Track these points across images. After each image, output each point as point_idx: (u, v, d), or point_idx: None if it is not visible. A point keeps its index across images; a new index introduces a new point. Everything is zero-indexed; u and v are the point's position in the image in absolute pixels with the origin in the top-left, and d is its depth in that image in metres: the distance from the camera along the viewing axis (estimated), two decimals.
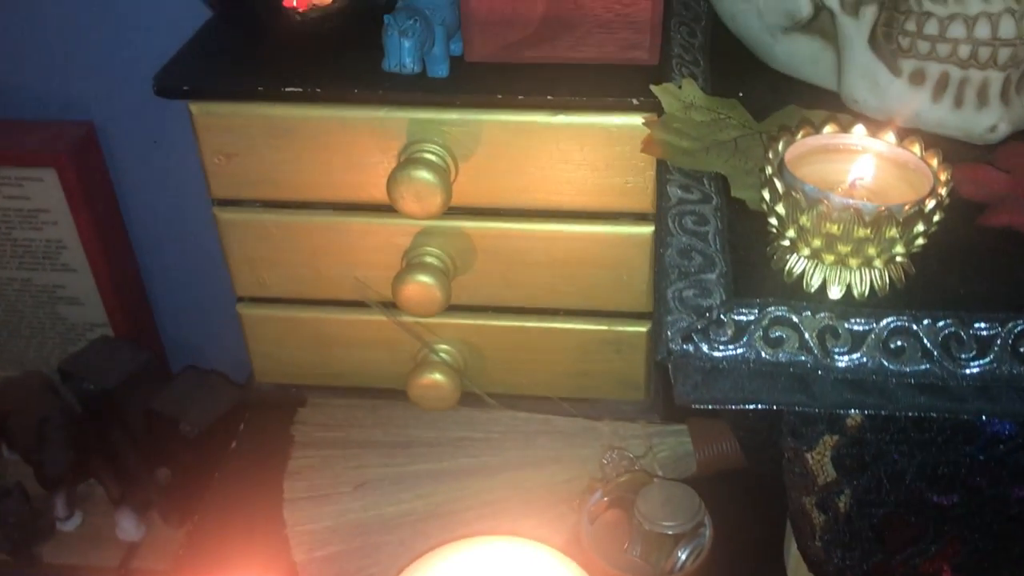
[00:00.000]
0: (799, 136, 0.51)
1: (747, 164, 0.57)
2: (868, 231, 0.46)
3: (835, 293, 0.48)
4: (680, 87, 0.63)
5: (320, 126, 0.71)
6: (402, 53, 0.66)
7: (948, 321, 0.46)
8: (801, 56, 0.65)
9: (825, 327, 0.47)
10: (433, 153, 0.70)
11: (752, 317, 0.47)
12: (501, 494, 0.73)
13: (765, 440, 0.67)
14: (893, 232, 0.46)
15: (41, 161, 0.98)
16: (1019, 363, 0.46)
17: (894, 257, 0.48)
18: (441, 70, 0.69)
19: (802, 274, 0.49)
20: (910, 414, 0.48)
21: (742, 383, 0.48)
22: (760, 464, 0.69)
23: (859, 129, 0.51)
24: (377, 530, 0.72)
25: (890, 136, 0.51)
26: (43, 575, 0.97)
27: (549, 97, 0.68)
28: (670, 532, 0.64)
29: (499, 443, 0.77)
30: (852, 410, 0.49)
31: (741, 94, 0.64)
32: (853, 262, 0.47)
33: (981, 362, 0.46)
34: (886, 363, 0.47)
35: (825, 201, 0.46)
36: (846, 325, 0.47)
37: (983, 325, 0.46)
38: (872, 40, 0.60)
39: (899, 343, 0.47)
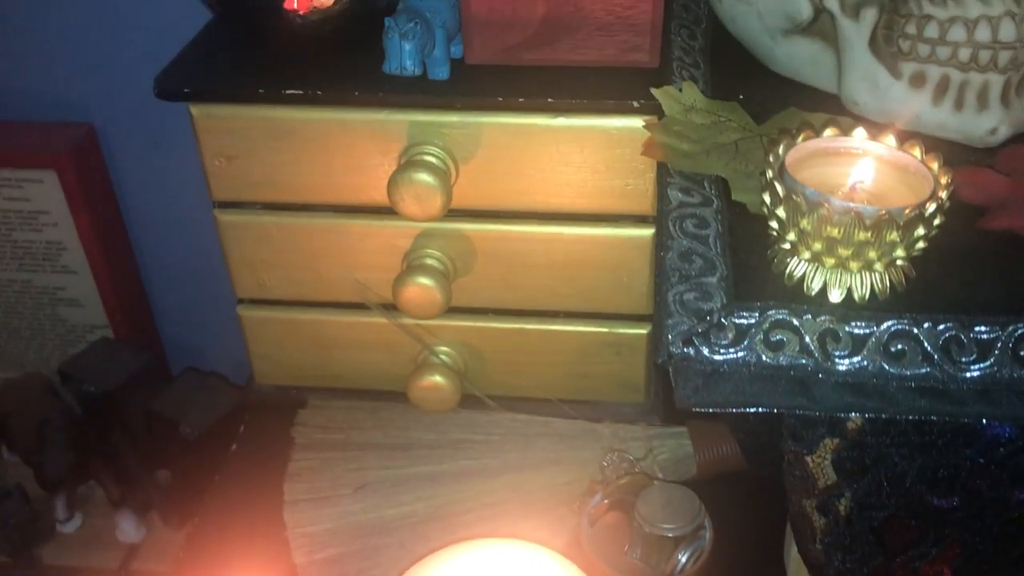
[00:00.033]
0: (800, 139, 0.51)
1: (747, 167, 0.57)
2: (869, 234, 0.46)
3: (836, 296, 0.48)
4: (681, 90, 0.63)
5: (320, 128, 0.71)
6: (403, 56, 0.67)
7: (948, 324, 0.47)
8: (801, 58, 0.65)
9: (826, 330, 0.47)
10: (433, 155, 0.70)
11: (753, 320, 0.47)
12: (501, 496, 0.73)
13: (765, 443, 0.67)
14: (894, 235, 0.46)
15: (41, 163, 0.98)
16: (1019, 366, 0.46)
17: (895, 260, 0.48)
18: (441, 72, 0.69)
19: (803, 277, 0.49)
20: (910, 417, 0.48)
21: (743, 386, 0.48)
22: (760, 466, 0.69)
23: (860, 132, 0.51)
24: (377, 532, 0.72)
25: (891, 139, 0.51)
26: None
27: (549, 100, 0.68)
28: (670, 535, 0.64)
29: (499, 445, 0.77)
30: (852, 413, 0.49)
31: (741, 96, 0.64)
32: (854, 265, 0.47)
33: (981, 365, 0.46)
34: (887, 366, 0.47)
35: (826, 204, 0.46)
36: (847, 328, 0.47)
37: (983, 328, 0.46)
38: (872, 43, 0.60)
39: (900, 346, 0.47)
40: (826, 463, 0.54)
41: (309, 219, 0.76)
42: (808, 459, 0.54)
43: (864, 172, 0.50)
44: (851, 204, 0.46)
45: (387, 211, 0.71)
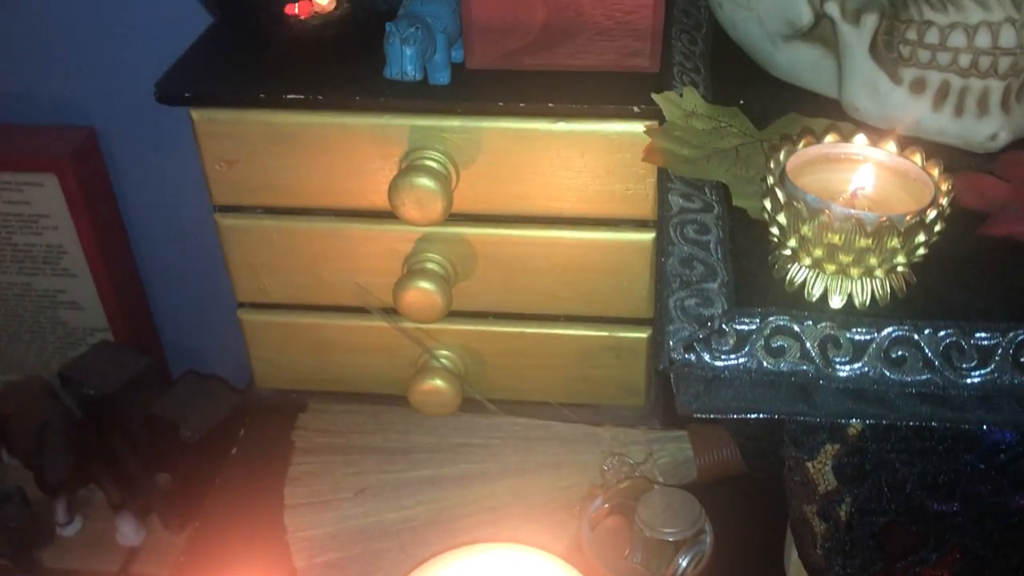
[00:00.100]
0: (800, 145, 0.51)
1: (748, 173, 0.57)
2: (869, 241, 0.46)
3: (836, 303, 0.48)
4: (681, 95, 0.63)
5: (321, 133, 0.71)
6: (404, 61, 0.67)
7: (949, 331, 0.47)
8: (802, 64, 0.65)
9: (826, 337, 0.47)
10: (434, 160, 0.70)
11: (754, 326, 0.47)
12: (502, 500, 0.73)
13: (766, 447, 0.67)
14: (894, 242, 0.46)
15: (42, 166, 0.98)
16: (1020, 373, 0.46)
17: (895, 267, 0.48)
18: (442, 77, 0.69)
19: (803, 283, 0.49)
20: (911, 424, 0.48)
21: (744, 392, 0.48)
22: (760, 471, 0.69)
23: (860, 138, 0.51)
24: (378, 536, 0.72)
25: (891, 145, 0.51)
26: None
27: (550, 104, 0.68)
28: (671, 539, 0.64)
29: (500, 449, 0.77)
30: (853, 419, 0.49)
31: (742, 102, 0.64)
32: (854, 272, 0.48)
33: (982, 372, 0.46)
34: (887, 373, 0.47)
35: (826, 211, 0.46)
36: (847, 335, 0.47)
37: (984, 335, 0.46)
38: (873, 48, 0.60)
39: (900, 353, 0.47)
40: (827, 468, 0.54)
41: (310, 223, 0.76)
42: (809, 465, 0.54)
43: (865, 178, 0.50)
44: (852, 211, 0.46)
45: (388, 215, 0.72)
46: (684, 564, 0.64)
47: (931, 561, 0.54)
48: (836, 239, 0.46)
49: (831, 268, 0.48)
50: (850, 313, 0.48)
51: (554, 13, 0.67)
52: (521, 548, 0.62)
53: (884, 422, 0.48)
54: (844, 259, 0.47)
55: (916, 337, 0.47)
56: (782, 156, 0.50)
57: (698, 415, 0.48)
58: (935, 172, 0.49)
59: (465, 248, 0.76)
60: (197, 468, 0.92)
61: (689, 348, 0.47)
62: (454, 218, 0.72)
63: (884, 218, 0.45)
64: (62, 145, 0.98)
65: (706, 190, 0.56)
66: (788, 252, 0.49)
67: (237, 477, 0.80)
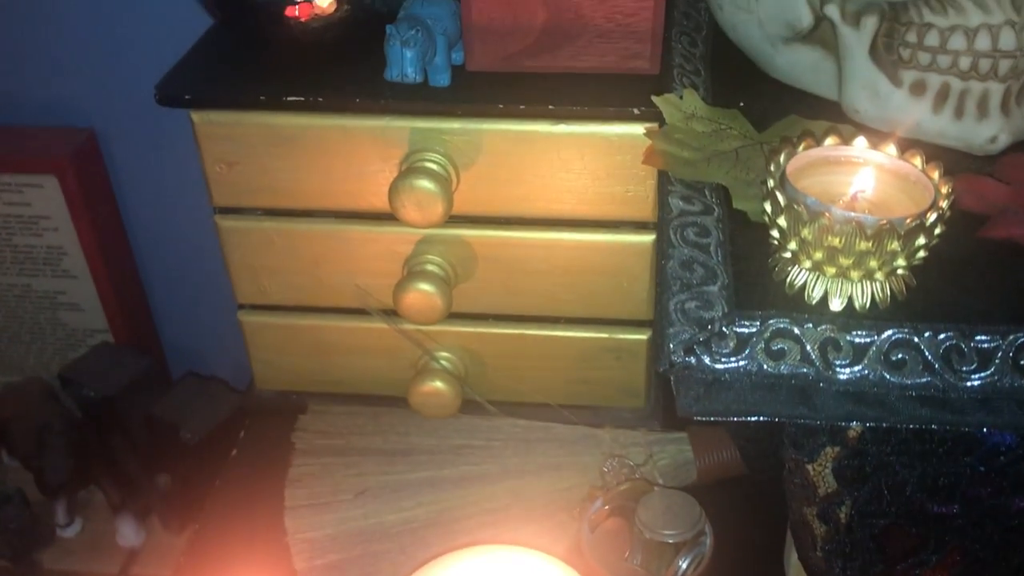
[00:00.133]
0: (800, 148, 0.51)
1: (748, 175, 0.57)
2: (870, 244, 0.46)
3: (836, 305, 0.48)
4: (681, 97, 0.63)
5: (322, 135, 0.71)
6: (404, 63, 0.67)
7: (949, 334, 0.47)
8: (802, 66, 0.65)
9: (827, 339, 0.47)
10: (434, 162, 0.70)
11: (754, 329, 0.47)
12: (502, 502, 0.73)
13: (766, 449, 0.67)
14: (895, 245, 0.46)
15: (42, 168, 0.98)
16: (1020, 376, 0.46)
17: (895, 270, 0.48)
18: (443, 79, 0.69)
19: (804, 286, 0.49)
20: (911, 426, 0.48)
21: (744, 395, 0.48)
22: (760, 472, 0.70)
23: (860, 141, 0.51)
24: (378, 538, 0.72)
25: (891, 148, 0.51)
26: None
27: (550, 106, 0.68)
28: (671, 541, 0.65)
29: (500, 451, 0.77)
30: (853, 422, 0.49)
31: (742, 104, 0.64)
32: (855, 274, 0.48)
33: (982, 374, 0.46)
34: (887, 376, 0.47)
35: (827, 214, 0.46)
36: (848, 337, 0.47)
37: (984, 337, 0.47)
38: (873, 51, 0.60)
39: (900, 355, 0.47)
40: (827, 471, 0.54)
41: (310, 225, 0.76)
42: (809, 467, 0.55)
43: (865, 181, 0.50)
44: (852, 214, 0.46)
45: (388, 217, 0.72)
46: (684, 566, 0.64)
47: (931, 563, 0.55)
48: (836, 242, 0.46)
49: (831, 271, 0.48)
50: (850, 316, 0.48)
51: (554, 15, 0.67)
52: (521, 550, 0.62)
53: (884, 425, 0.48)
54: (844, 262, 0.47)
55: (916, 340, 0.47)
56: (782, 159, 0.50)
57: (698, 418, 0.48)
58: (935, 175, 0.49)
59: (465, 250, 0.76)
60: (197, 469, 0.92)
61: (689, 351, 0.47)
62: (454, 220, 0.72)
63: (884, 221, 0.45)
64: (62, 147, 0.98)
65: (706, 192, 0.56)
66: (788, 255, 0.49)
67: (237, 478, 0.80)
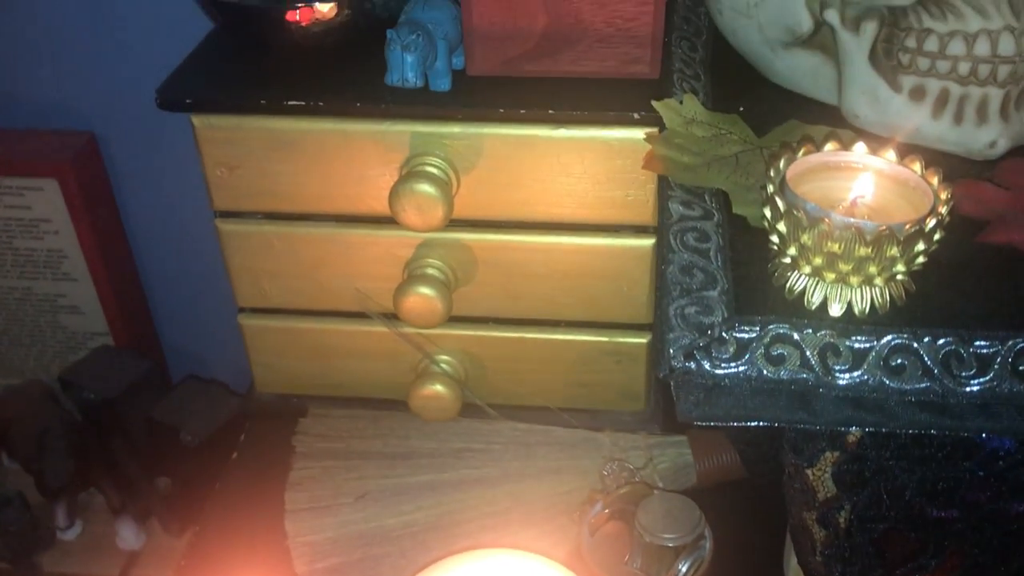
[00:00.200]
0: (800, 153, 0.51)
1: (748, 180, 0.57)
2: (869, 250, 0.46)
3: (836, 311, 0.48)
4: (681, 102, 0.64)
5: (322, 139, 0.71)
6: (405, 67, 0.67)
7: (948, 339, 0.47)
8: (802, 71, 0.65)
9: (826, 345, 0.47)
10: (435, 166, 0.70)
11: (754, 334, 0.48)
12: (502, 506, 0.74)
13: (765, 453, 0.67)
14: (894, 251, 0.46)
15: (42, 171, 0.98)
16: (1019, 381, 0.46)
17: (895, 275, 0.48)
18: (443, 84, 0.69)
19: (803, 291, 0.49)
20: (910, 431, 0.48)
21: (744, 400, 0.48)
22: (760, 476, 0.70)
23: (860, 146, 0.52)
24: (378, 541, 0.72)
25: (891, 154, 0.51)
26: None
27: (550, 111, 0.68)
28: (670, 544, 0.65)
29: (500, 454, 0.77)
30: (852, 427, 0.49)
31: (742, 108, 0.64)
32: (854, 280, 0.48)
33: (981, 380, 0.46)
34: (887, 381, 0.47)
35: (826, 220, 0.46)
36: (847, 343, 0.47)
37: (983, 343, 0.47)
38: (872, 56, 0.60)
39: (900, 361, 0.47)
40: (826, 476, 0.54)
41: (310, 229, 0.76)
42: (808, 472, 0.55)
43: (865, 187, 0.50)
44: (852, 219, 0.46)
45: (388, 221, 0.72)
46: (684, 569, 0.64)
47: (930, 568, 0.55)
48: (836, 248, 0.46)
49: (831, 276, 0.48)
50: (850, 321, 0.48)
51: (555, 20, 0.67)
52: (521, 553, 0.62)
53: (883, 430, 0.48)
54: (844, 267, 0.47)
55: (915, 345, 0.47)
56: (782, 164, 0.50)
57: (698, 423, 0.48)
58: (934, 181, 0.49)
59: (465, 254, 0.76)
60: (197, 472, 0.92)
61: (689, 356, 0.48)
62: (454, 224, 0.73)
63: (884, 227, 0.45)
64: (63, 150, 0.99)
65: (706, 197, 0.56)
66: (788, 260, 0.49)
67: (237, 481, 0.80)
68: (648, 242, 0.73)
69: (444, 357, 0.80)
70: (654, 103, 0.64)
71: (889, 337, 0.47)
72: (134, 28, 0.94)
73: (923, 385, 0.47)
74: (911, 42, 0.58)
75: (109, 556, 0.99)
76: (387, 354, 0.81)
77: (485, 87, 0.70)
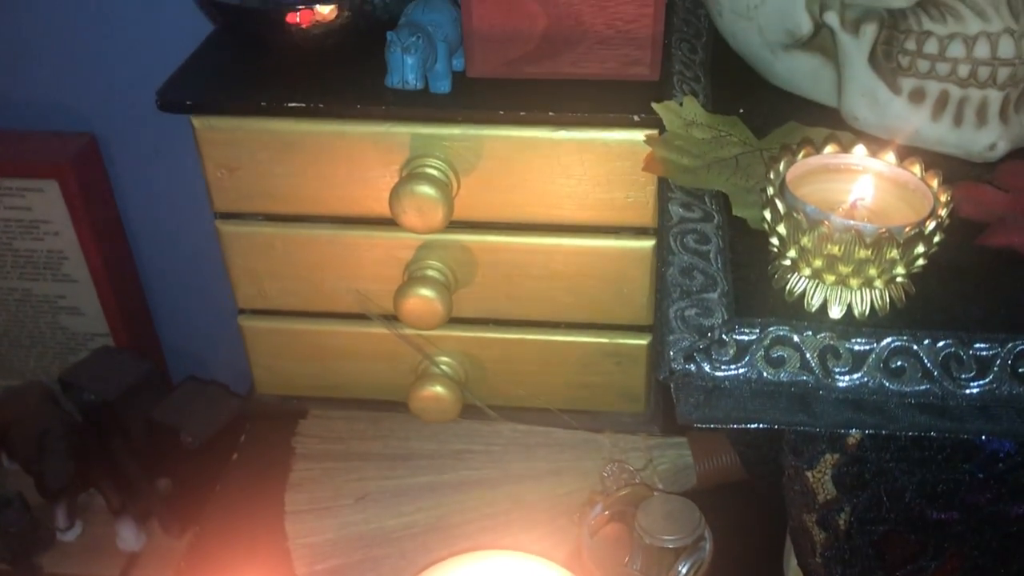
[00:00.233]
0: (800, 156, 0.51)
1: (748, 182, 0.57)
2: (869, 252, 0.46)
3: (836, 313, 0.48)
4: (681, 104, 0.64)
5: (322, 141, 0.71)
6: (405, 70, 0.67)
7: (948, 341, 0.47)
8: (801, 73, 0.65)
9: (826, 347, 0.47)
10: (435, 168, 0.70)
11: (753, 337, 0.48)
12: (502, 507, 0.74)
13: (765, 454, 0.67)
14: (894, 253, 0.46)
15: (43, 172, 0.98)
16: (1019, 383, 0.46)
17: (894, 277, 0.48)
18: (443, 86, 0.69)
19: (803, 294, 0.49)
20: (910, 433, 0.48)
21: (744, 403, 0.48)
22: (760, 478, 0.70)
23: (860, 149, 0.52)
24: (378, 543, 0.72)
25: (890, 156, 0.51)
26: None
27: (550, 113, 0.68)
28: (670, 546, 0.65)
29: (500, 455, 0.77)
30: (852, 429, 0.49)
31: (742, 110, 0.65)
32: (854, 282, 0.48)
33: (981, 382, 0.47)
34: (887, 383, 0.47)
35: (826, 222, 0.46)
36: (847, 345, 0.47)
37: (983, 345, 0.47)
38: (872, 58, 0.60)
39: (899, 363, 0.47)
40: (826, 478, 0.54)
41: (310, 230, 0.76)
42: (808, 474, 0.55)
43: (864, 189, 0.50)
44: (851, 222, 0.46)
45: (388, 222, 0.72)
46: (684, 571, 0.64)
47: (930, 570, 0.55)
48: (836, 250, 0.47)
49: (831, 278, 0.48)
50: (849, 323, 0.48)
51: (555, 22, 0.67)
52: (521, 555, 0.62)
53: (883, 432, 0.48)
54: (844, 270, 0.47)
55: (915, 347, 0.47)
56: (782, 167, 0.50)
57: (698, 425, 0.49)
58: (934, 183, 0.49)
59: (465, 255, 0.76)
60: (197, 474, 0.92)
61: (689, 358, 0.48)
62: (455, 225, 0.73)
63: (883, 229, 0.45)
64: (63, 151, 0.99)
65: (706, 200, 0.57)
66: (788, 262, 0.49)
67: (238, 483, 0.80)
68: (648, 244, 0.74)
69: (444, 359, 0.80)
70: (654, 105, 0.64)
71: (889, 339, 0.47)
72: (135, 30, 0.94)
73: (923, 387, 0.47)
74: (911, 44, 0.58)
75: (109, 557, 0.99)
76: (387, 356, 0.81)
77: (485, 89, 0.70)
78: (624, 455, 0.74)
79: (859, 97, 0.61)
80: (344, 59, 0.71)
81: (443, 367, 0.80)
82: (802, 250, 0.48)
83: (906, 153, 0.51)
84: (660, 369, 0.48)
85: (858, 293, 0.48)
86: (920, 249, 0.47)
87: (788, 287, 0.49)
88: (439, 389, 0.78)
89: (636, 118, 0.67)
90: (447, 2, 0.70)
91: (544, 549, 0.64)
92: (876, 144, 0.52)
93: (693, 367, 0.48)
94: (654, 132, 0.64)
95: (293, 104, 0.69)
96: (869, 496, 0.53)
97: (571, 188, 0.72)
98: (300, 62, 0.71)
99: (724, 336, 0.48)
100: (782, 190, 0.49)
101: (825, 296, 0.49)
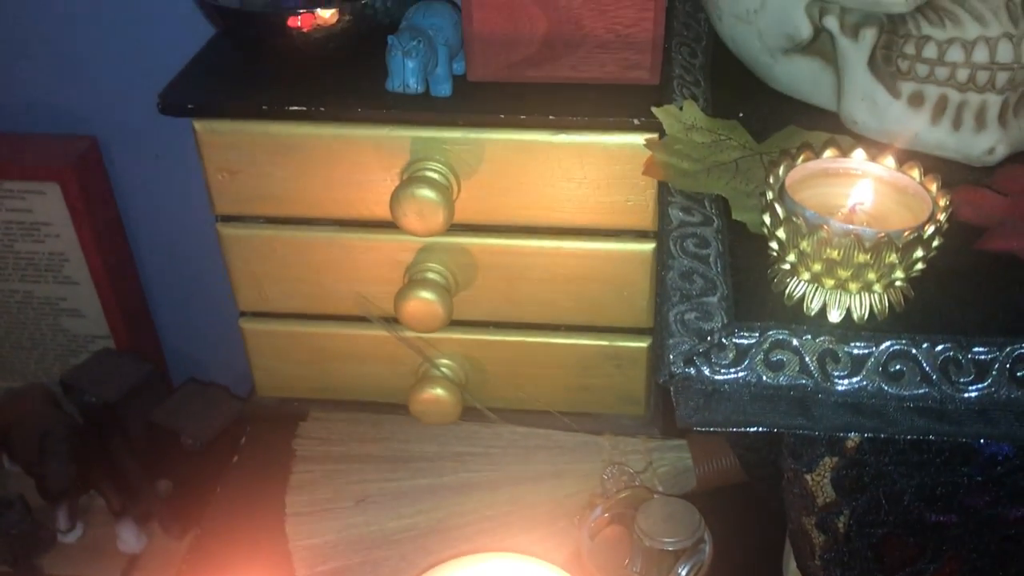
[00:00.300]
0: (799, 160, 0.51)
1: (748, 186, 0.57)
2: (868, 256, 0.46)
3: (835, 317, 0.49)
4: (681, 108, 0.64)
5: (323, 144, 0.71)
6: (405, 73, 0.67)
7: (947, 345, 0.47)
8: (801, 77, 0.66)
9: (825, 351, 0.48)
10: (436, 171, 0.70)
11: (753, 340, 0.48)
12: (502, 509, 0.74)
13: (765, 457, 0.67)
14: (892, 257, 0.46)
15: (44, 175, 0.98)
16: (1017, 387, 0.47)
17: (893, 282, 0.48)
18: (444, 89, 0.69)
19: (802, 298, 0.49)
20: (909, 437, 0.48)
21: (743, 406, 0.48)
22: (760, 480, 0.70)
23: (859, 153, 0.52)
24: (379, 545, 0.73)
25: (889, 160, 0.51)
26: None
27: (551, 116, 0.68)
28: (670, 548, 0.65)
29: (500, 458, 0.77)
30: (851, 433, 0.50)
31: (741, 115, 0.65)
32: (853, 286, 0.48)
33: (979, 386, 0.47)
34: (885, 387, 0.47)
35: (825, 227, 0.46)
36: (846, 349, 0.47)
37: (982, 349, 0.47)
38: (871, 62, 0.60)
39: (898, 367, 0.47)
40: (825, 481, 0.54)
41: (311, 233, 0.76)
42: (807, 477, 0.55)
43: (863, 193, 0.51)
44: (850, 226, 0.46)
45: (389, 225, 0.72)
46: (683, 573, 0.64)
47: (928, 572, 0.55)
48: (835, 254, 0.47)
49: (830, 283, 0.48)
50: (848, 327, 0.48)
51: (555, 26, 0.68)
52: (521, 557, 0.62)
53: (882, 435, 0.48)
54: (843, 274, 0.47)
55: (914, 351, 0.47)
56: (781, 171, 0.50)
57: (698, 428, 0.49)
58: (933, 187, 0.49)
59: (466, 258, 0.76)
60: (198, 475, 0.93)
61: (689, 362, 0.48)
62: (455, 228, 0.73)
63: (882, 234, 0.46)
64: (65, 154, 0.99)
65: (706, 203, 0.57)
66: (787, 266, 0.50)
67: (238, 485, 0.80)
68: (648, 247, 0.74)
69: (444, 361, 0.81)
70: (654, 110, 0.64)
71: (888, 343, 0.47)
72: (136, 33, 0.94)
73: (922, 391, 0.47)
74: (910, 49, 0.58)
75: (110, 559, 0.99)
76: (388, 358, 0.81)
77: (486, 92, 0.70)
78: (624, 458, 0.75)
79: (858, 101, 0.61)
80: (345, 63, 0.72)
81: (443, 369, 0.80)
82: (801, 254, 0.48)
83: (905, 157, 0.51)
84: (660, 372, 0.48)
85: (857, 297, 0.48)
86: (919, 253, 0.47)
87: (787, 291, 0.50)
88: (439, 391, 0.78)
89: (636, 122, 0.67)
90: (448, 6, 0.70)
91: (544, 551, 0.64)
92: (875, 148, 0.52)
93: (693, 371, 0.48)
94: (654, 136, 0.64)
95: (294, 107, 0.69)
96: (868, 499, 0.53)
97: (571, 191, 0.72)
98: (301, 66, 0.72)
99: (724, 340, 0.48)
100: (781, 194, 0.49)
101: (824, 300, 0.49)
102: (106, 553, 0.99)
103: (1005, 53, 0.56)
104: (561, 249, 0.75)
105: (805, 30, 0.63)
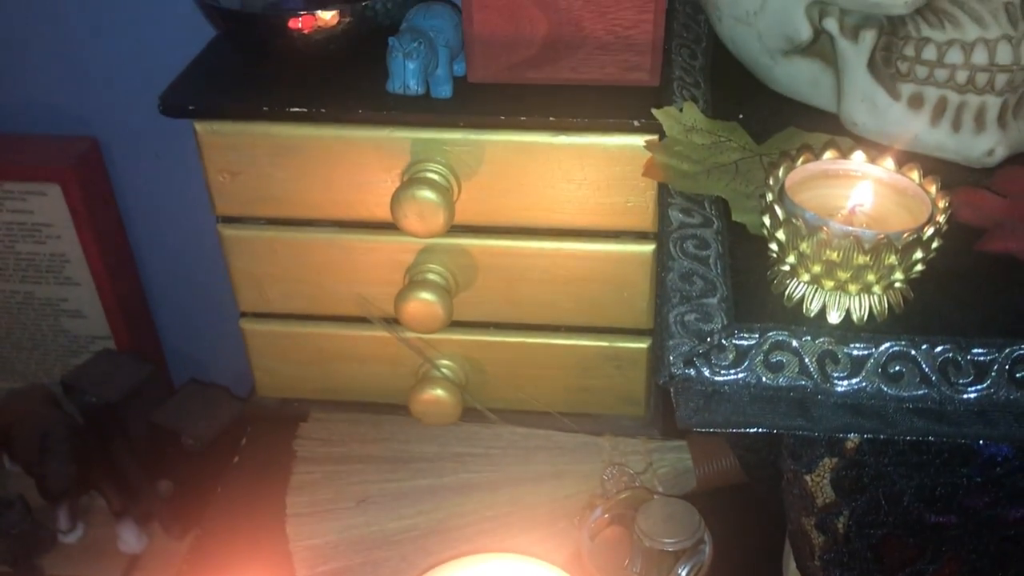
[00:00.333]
0: (799, 162, 0.51)
1: (747, 188, 0.58)
2: (867, 258, 0.46)
3: (834, 318, 0.49)
4: (681, 110, 0.64)
5: (324, 145, 0.71)
6: (406, 75, 0.67)
7: (946, 346, 0.47)
8: (801, 79, 0.66)
9: (825, 352, 0.48)
10: (436, 172, 0.70)
11: (753, 341, 0.48)
12: (502, 510, 0.74)
13: (764, 458, 0.67)
14: (892, 259, 0.47)
15: (45, 176, 0.98)
16: (1016, 388, 0.47)
17: (893, 283, 0.48)
18: (444, 91, 0.70)
19: (802, 299, 0.49)
20: (908, 438, 0.48)
21: (743, 407, 0.48)
22: (759, 481, 0.70)
23: (859, 155, 0.52)
24: (379, 546, 0.73)
25: (889, 162, 0.51)
26: None
27: (551, 118, 0.68)
28: (670, 549, 0.65)
29: (500, 459, 0.77)
30: (851, 434, 0.50)
31: (741, 116, 0.65)
32: (852, 288, 0.48)
33: (979, 387, 0.47)
34: (885, 388, 0.47)
35: (825, 228, 0.46)
36: (845, 350, 0.48)
37: (981, 350, 0.47)
38: (871, 64, 0.60)
39: (898, 368, 0.47)
40: (825, 482, 0.54)
41: (312, 234, 0.76)
42: (807, 478, 0.55)
43: (863, 195, 0.51)
44: (850, 228, 0.46)
45: (390, 226, 0.72)
46: (683, 574, 0.65)
47: (928, 573, 0.55)
48: (834, 256, 0.47)
49: (829, 284, 0.48)
50: (848, 329, 0.48)
51: (555, 27, 0.68)
52: (521, 558, 0.62)
53: (882, 436, 0.48)
54: (842, 275, 0.47)
55: (913, 353, 0.47)
56: (781, 173, 0.50)
57: (698, 429, 0.49)
58: (932, 189, 0.49)
59: (466, 259, 0.76)
60: (199, 476, 0.93)
61: (689, 363, 0.48)
62: (456, 230, 0.73)
63: (882, 235, 0.46)
64: (66, 155, 0.99)
65: (706, 205, 0.57)
66: (787, 268, 0.50)
67: (239, 485, 0.80)
68: (648, 248, 0.74)
69: (445, 362, 0.81)
70: (654, 111, 0.64)
71: (887, 344, 0.47)
72: (137, 34, 0.94)
73: (921, 392, 0.47)
74: (909, 50, 0.59)
75: (110, 559, 0.99)
76: (388, 359, 0.81)
77: (486, 94, 0.70)
78: (624, 458, 0.75)
79: (858, 103, 0.61)
80: (346, 64, 0.72)
81: (444, 370, 0.80)
82: (801, 256, 0.48)
83: (905, 159, 0.51)
84: (660, 373, 0.48)
85: (857, 298, 0.48)
86: (918, 255, 0.47)
87: (787, 292, 0.50)
88: (440, 392, 0.78)
89: (636, 123, 0.67)
90: (448, 7, 0.70)
91: (544, 552, 0.64)
92: (875, 150, 0.52)
93: (693, 372, 0.48)
94: (654, 137, 0.65)
95: (295, 109, 0.70)
96: (867, 500, 0.53)
97: (571, 193, 0.72)
98: (302, 67, 0.72)
99: (723, 341, 0.48)
100: (781, 196, 0.49)
101: (824, 301, 0.49)
102: (107, 553, 0.99)
103: (1004, 55, 0.56)
104: (561, 250, 0.75)
105: (805, 32, 0.63)
